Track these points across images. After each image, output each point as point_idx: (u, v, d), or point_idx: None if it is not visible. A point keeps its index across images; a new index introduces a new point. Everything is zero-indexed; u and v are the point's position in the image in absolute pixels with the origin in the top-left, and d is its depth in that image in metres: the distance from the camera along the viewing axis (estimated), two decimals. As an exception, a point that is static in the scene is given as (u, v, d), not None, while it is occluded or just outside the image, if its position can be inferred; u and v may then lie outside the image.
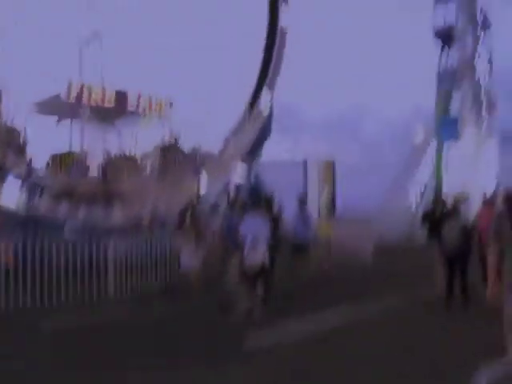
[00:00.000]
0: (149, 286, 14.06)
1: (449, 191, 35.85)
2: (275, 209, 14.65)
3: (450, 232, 12.14)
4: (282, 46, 35.42)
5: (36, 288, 12.18)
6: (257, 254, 10.64)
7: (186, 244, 14.04)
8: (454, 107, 43.17)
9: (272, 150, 37.88)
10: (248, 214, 11.43)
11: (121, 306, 12.37)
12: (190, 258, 13.99)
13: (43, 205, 21.64)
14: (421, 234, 16.88)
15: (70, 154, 23.49)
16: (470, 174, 38.96)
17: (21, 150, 21.52)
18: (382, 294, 13.54)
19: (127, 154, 26.11)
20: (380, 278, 16.62)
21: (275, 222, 13.35)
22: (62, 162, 22.51)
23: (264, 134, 34.88)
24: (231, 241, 12.15)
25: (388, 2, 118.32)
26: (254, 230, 10.79)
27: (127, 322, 10.74)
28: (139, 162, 26.85)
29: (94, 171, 24.41)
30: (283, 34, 35.22)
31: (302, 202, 17.15)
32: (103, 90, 22.13)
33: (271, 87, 35.13)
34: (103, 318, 11.05)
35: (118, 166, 24.51)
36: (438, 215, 14.82)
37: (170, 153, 27.64)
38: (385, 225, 29.15)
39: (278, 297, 12.62)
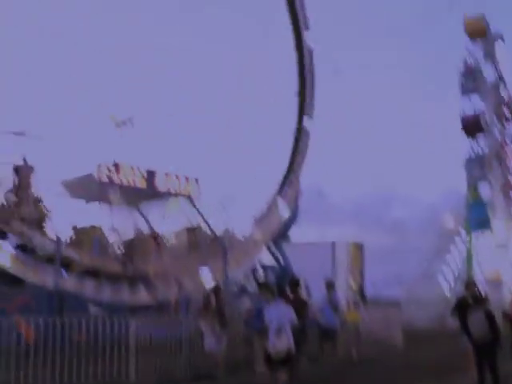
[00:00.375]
0: (172, 370, 13.70)
1: (480, 278, 35.28)
2: (302, 292, 14.43)
3: (476, 322, 11.69)
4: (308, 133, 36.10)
5: (56, 365, 11.95)
6: (281, 340, 10.27)
7: (210, 326, 13.82)
8: (484, 194, 43.07)
9: (300, 233, 37.90)
10: (273, 299, 11.05)
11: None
12: (214, 340, 13.80)
13: (70, 281, 21.64)
14: (452, 320, 16.47)
15: (93, 228, 23.57)
16: (502, 261, 38.36)
17: (41, 225, 21.75)
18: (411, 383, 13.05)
19: (154, 233, 26.07)
20: (410, 365, 16.07)
21: (302, 306, 13.08)
22: (85, 236, 22.57)
23: (292, 217, 34.94)
24: (258, 325, 11.87)
25: (414, 91, 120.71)
26: (279, 315, 10.50)
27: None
28: (166, 241, 26.86)
29: (119, 249, 24.40)
30: (310, 121, 36.02)
31: (330, 285, 16.92)
32: (133, 169, 22.32)
33: (299, 170, 35.50)
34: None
35: (144, 245, 24.49)
36: (469, 302, 14.44)
37: (196, 234, 27.67)
38: (415, 310, 28.54)
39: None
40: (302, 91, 36.28)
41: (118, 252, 24.12)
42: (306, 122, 35.76)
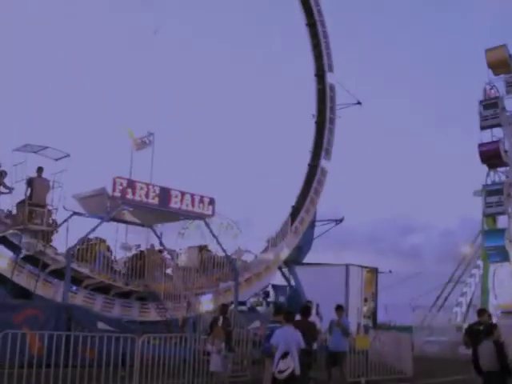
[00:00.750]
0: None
1: (495, 307, 34.84)
2: (312, 315, 14.35)
3: (485, 351, 11.45)
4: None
5: (59, 379, 11.88)
6: (286, 362, 10.31)
7: (217, 347, 13.69)
8: (502, 223, 42.60)
9: (316, 258, 37.76)
10: (285, 323, 11.16)
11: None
12: (219, 360, 13.67)
13: (79, 295, 21.63)
14: (465, 347, 16.23)
15: (99, 241, 23.45)
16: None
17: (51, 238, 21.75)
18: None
19: (166, 251, 25.96)
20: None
21: (311, 329, 12.97)
22: (92, 249, 22.42)
23: (306, 242, 34.87)
24: (269, 348, 11.80)
25: (433, 121, 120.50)
26: (286, 339, 10.61)
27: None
28: (177, 260, 26.76)
29: (128, 265, 24.34)
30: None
31: (340, 309, 16.80)
32: (147, 186, 22.27)
33: (316, 196, 35.51)
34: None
35: (155, 262, 24.40)
36: (480, 330, 14.20)
37: (207, 253, 27.60)
38: (427, 335, 28.21)
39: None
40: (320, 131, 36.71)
41: (125, 268, 23.98)
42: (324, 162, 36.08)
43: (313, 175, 35.70)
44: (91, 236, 22.47)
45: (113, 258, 24.52)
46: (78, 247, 21.69)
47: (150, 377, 13.10)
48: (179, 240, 36.56)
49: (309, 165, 36.28)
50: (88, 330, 15.84)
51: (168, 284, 23.48)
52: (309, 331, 12.38)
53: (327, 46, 38.29)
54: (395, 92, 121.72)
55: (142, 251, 25.35)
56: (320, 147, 36.37)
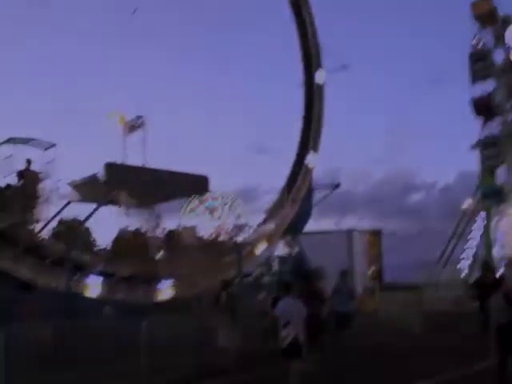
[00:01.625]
0: (185, 368, 13.47)
1: (500, 259, 34.90)
2: (320, 282, 14.54)
3: (495, 304, 11.38)
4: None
5: (69, 368, 11.82)
6: (288, 331, 10.51)
7: (222, 322, 13.63)
8: (499, 176, 42.62)
9: (318, 224, 37.76)
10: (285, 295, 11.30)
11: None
12: (227, 335, 13.61)
13: (81, 283, 21.54)
14: (472, 302, 16.24)
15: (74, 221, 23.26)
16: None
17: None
18: (431, 368, 12.73)
19: (165, 232, 25.85)
20: (430, 349, 15.77)
21: (318, 295, 13.58)
22: (70, 229, 22.17)
23: (305, 208, 34.76)
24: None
25: (425, 77, 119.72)
26: (289, 309, 10.75)
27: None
28: (178, 239, 26.66)
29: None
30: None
31: (344, 273, 16.84)
32: (141, 168, 22.12)
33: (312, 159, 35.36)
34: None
35: (155, 244, 24.31)
36: (487, 283, 14.18)
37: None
38: (434, 292, 28.20)
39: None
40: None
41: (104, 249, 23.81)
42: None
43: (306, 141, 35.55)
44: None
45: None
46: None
47: (158, 357, 13.02)
48: (182, 219, 36.56)
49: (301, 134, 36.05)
50: (93, 316, 15.79)
51: (172, 265, 23.40)
52: (316, 296, 13.14)
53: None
54: (383, 54, 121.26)
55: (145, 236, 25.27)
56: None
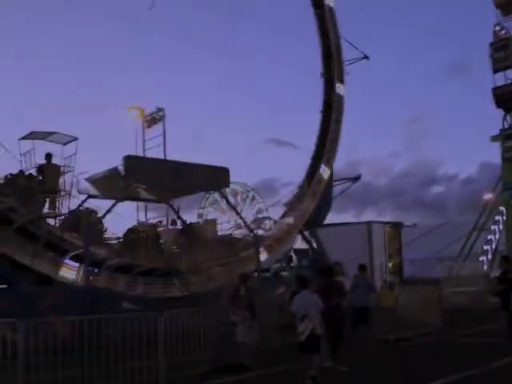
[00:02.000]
0: (203, 362, 13.45)
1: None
2: (339, 276, 14.55)
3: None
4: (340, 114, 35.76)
5: (87, 363, 11.84)
6: (304, 324, 10.65)
7: (240, 316, 13.61)
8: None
9: (336, 218, 37.60)
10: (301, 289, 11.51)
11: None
12: (245, 330, 13.58)
13: (102, 277, 21.60)
14: (493, 296, 16.09)
15: (90, 212, 23.21)
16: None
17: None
18: (451, 365, 12.62)
19: (183, 225, 25.85)
20: (450, 345, 15.65)
21: (338, 286, 13.56)
22: (82, 219, 22.01)
23: (325, 200, 34.60)
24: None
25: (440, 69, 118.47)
26: (304, 303, 10.93)
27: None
28: (195, 233, 26.64)
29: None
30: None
31: (363, 267, 16.84)
32: (160, 161, 22.11)
33: (332, 156, 35.19)
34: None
35: (175, 237, 24.31)
36: (509, 278, 14.00)
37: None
38: (455, 286, 28.01)
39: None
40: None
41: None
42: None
43: (325, 135, 35.36)
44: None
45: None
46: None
47: (176, 352, 13.03)
48: (201, 212, 36.64)
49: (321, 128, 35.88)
50: (112, 311, 15.79)
51: (190, 258, 23.39)
52: (336, 289, 13.22)
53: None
54: (403, 44, 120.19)
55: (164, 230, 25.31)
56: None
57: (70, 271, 20.87)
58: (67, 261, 20.99)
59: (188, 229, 25.85)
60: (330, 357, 12.85)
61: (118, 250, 22.12)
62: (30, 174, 20.38)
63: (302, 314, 10.68)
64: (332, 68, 36.27)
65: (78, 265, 21.00)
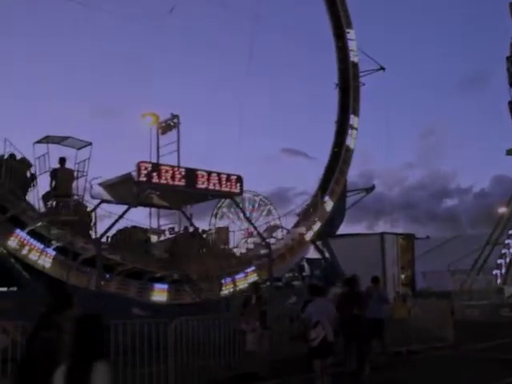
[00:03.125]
0: (213, 370, 13.34)
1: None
2: (357, 286, 14.70)
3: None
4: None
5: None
6: (317, 331, 10.60)
7: (251, 325, 13.51)
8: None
9: (348, 228, 37.49)
10: (315, 296, 11.49)
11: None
12: (255, 339, 13.48)
13: (113, 283, 21.57)
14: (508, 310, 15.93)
15: (134, 228, 23.27)
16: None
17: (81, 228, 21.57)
18: (462, 381, 12.46)
19: (196, 232, 25.77)
20: (462, 360, 15.46)
21: (359, 297, 14.03)
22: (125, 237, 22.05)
23: (338, 211, 34.52)
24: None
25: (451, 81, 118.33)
26: (316, 310, 10.89)
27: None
28: (208, 240, 26.59)
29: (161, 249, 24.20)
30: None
31: (376, 280, 16.70)
32: (173, 168, 21.96)
33: (346, 168, 35.25)
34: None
35: (186, 244, 24.21)
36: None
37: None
38: (468, 300, 27.77)
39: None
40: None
41: (159, 252, 23.86)
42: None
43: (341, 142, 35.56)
44: (125, 224, 22.40)
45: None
46: (114, 236, 21.64)
47: (186, 359, 12.94)
48: (213, 220, 36.59)
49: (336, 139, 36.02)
50: (123, 317, 15.72)
51: (202, 265, 23.32)
52: (357, 299, 13.70)
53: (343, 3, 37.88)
54: (417, 56, 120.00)
55: (176, 236, 25.27)
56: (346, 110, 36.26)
57: (81, 275, 20.88)
58: (78, 265, 21.02)
59: (201, 236, 25.84)
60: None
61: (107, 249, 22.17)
62: (23, 157, 20.48)
63: (316, 320, 10.63)
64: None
65: (89, 269, 21.00)
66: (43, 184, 20.52)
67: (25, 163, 20.66)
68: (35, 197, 20.72)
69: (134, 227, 23.73)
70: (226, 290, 22.73)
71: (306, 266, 32.91)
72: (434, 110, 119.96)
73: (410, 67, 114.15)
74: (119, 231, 22.33)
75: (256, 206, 37.67)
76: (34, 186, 21.12)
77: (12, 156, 20.40)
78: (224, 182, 22.91)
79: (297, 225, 32.01)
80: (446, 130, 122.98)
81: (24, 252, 20.22)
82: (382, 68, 38.96)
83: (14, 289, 20.14)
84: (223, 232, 27.50)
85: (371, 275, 17.00)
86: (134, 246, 22.69)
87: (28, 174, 20.88)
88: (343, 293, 14.52)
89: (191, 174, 22.09)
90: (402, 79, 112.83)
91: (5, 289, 20.56)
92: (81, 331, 4.90)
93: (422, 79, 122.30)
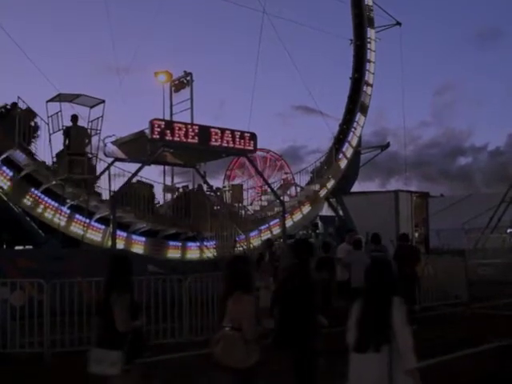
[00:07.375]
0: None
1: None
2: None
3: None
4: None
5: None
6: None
7: (264, 281, 13.56)
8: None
9: (362, 186, 37.34)
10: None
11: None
12: (268, 295, 13.52)
13: (128, 240, 21.73)
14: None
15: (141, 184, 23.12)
16: None
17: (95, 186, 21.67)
18: (473, 338, 12.49)
19: (209, 189, 25.81)
20: (474, 317, 15.49)
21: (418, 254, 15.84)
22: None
23: (352, 168, 34.42)
24: None
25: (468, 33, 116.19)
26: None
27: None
28: (222, 197, 26.62)
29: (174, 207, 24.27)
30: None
31: (406, 238, 16.54)
32: (186, 125, 21.86)
33: (358, 125, 35.06)
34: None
35: (200, 201, 24.28)
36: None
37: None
38: (481, 258, 27.69)
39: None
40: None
41: (170, 210, 23.93)
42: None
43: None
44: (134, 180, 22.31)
45: (157, 201, 24.47)
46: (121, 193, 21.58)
47: (201, 315, 13.08)
48: (226, 182, 36.66)
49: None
50: (137, 274, 15.84)
51: (215, 222, 23.42)
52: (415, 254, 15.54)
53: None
54: (434, 10, 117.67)
55: (186, 192, 25.27)
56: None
57: (96, 233, 21.04)
58: (94, 223, 21.16)
59: (215, 193, 25.91)
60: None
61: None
62: (28, 107, 20.47)
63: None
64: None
65: (104, 227, 21.14)
66: (57, 143, 20.52)
67: (28, 112, 20.63)
68: (49, 154, 20.79)
69: (140, 182, 23.70)
70: (240, 248, 22.81)
71: (320, 223, 32.90)
72: (451, 65, 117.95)
73: (425, 22, 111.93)
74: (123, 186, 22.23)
75: (271, 163, 37.68)
76: (37, 136, 21.25)
77: (15, 105, 20.45)
78: (238, 140, 22.83)
79: (310, 182, 31.97)
80: (461, 86, 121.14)
81: (39, 210, 20.40)
82: (398, 23, 38.34)
83: (30, 247, 20.35)
84: (237, 190, 27.52)
85: (385, 232, 16.99)
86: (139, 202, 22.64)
87: (32, 124, 20.96)
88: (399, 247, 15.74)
89: (205, 132, 22.02)
90: (417, 34, 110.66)
91: (21, 247, 20.82)
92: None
93: (438, 34, 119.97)
